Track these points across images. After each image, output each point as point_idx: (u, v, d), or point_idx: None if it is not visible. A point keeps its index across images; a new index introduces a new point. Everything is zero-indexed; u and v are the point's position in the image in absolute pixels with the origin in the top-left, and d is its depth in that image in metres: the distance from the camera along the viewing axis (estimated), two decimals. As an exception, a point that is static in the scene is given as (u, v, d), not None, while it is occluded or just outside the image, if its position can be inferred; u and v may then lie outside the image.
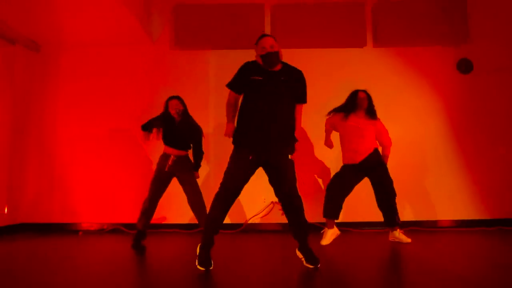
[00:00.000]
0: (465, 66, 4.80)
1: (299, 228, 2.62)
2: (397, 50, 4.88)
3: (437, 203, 4.67)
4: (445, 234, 4.18)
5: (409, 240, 3.54)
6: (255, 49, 2.69)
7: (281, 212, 4.54)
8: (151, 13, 4.83)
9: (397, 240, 3.58)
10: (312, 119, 4.22)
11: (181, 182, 3.63)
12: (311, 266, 2.52)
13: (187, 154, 3.71)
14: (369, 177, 3.66)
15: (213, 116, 4.80)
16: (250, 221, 4.59)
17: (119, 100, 4.84)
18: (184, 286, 2.24)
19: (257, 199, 4.60)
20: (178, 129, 3.60)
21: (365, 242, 3.81)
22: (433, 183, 4.70)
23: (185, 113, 3.65)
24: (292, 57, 4.78)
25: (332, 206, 3.59)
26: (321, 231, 3.73)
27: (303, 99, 2.73)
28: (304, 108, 4.24)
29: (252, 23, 4.86)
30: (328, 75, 4.83)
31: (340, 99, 4.38)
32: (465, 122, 4.78)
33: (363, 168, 3.62)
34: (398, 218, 3.61)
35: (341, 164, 3.79)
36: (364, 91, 3.70)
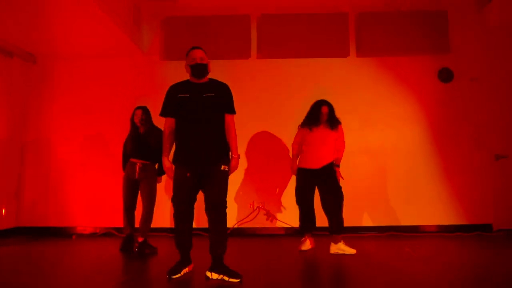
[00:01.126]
0: (446, 75, 4.93)
1: (216, 238, 2.64)
2: (380, 60, 5.02)
3: (417, 209, 4.81)
4: (423, 239, 4.33)
5: (353, 251, 3.49)
6: (185, 60, 2.80)
7: (266, 216, 4.78)
8: (142, 25, 5.01)
9: (341, 252, 3.53)
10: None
11: (142, 188, 3.76)
12: (237, 280, 2.50)
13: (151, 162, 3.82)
14: (319, 185, 3.74)
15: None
16: (237, 226, 4.77)
17: (111, 108, 5.04)
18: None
19: (246, 204, 4.78)
20: (142, 138, 3.77)
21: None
22: (414, 189, 4.83)
23: (147, 123, 3.81)
24: (277, 66, 5.06)
25: (307, 221, 3.76)
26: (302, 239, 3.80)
27: (230, 110, 2.78)
28: (290, 116, 4.52)
29: (239, 34, 5.03)
30: (313, 84, 4.97)
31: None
32: (446, 129, 4.91)
33: (319, 175, 3.69)
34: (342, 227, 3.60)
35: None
36: (326, 104, 3.80)
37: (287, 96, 4.95)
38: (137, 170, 3.70)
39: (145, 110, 3.87)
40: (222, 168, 2.67)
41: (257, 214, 4.79)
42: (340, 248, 3.52)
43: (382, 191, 4.86)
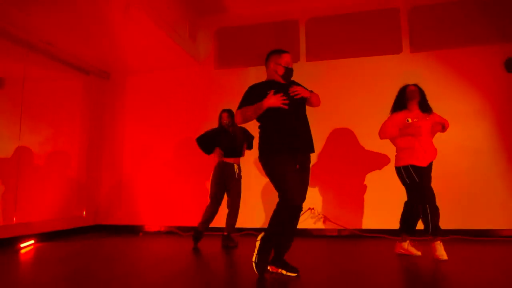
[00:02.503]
0: (513, 65, 4.52)
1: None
2: (436, 54, 4.78)
3: (485, 211, 4.45)
4: (493, 244, 4.00)
5: (419, 253, 3.36)
6: (274, 59, 2.83)
7: (317, 217, 4.79)
8: (197, 38, 5.41)
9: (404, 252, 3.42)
10: (359, 127, 4.73)
11: (231, 187, 4.03)
12: (295, 274, 2.63)
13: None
14: None
15: (255, 126, 5.18)
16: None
17: (174, 115, 5.50)
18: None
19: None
20: (233, 138, 4.06)
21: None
22: (483, 189, 4.49)
23: (234, 123, 4.07)
24: (328, 67, 5.07)
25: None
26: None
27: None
28: (345, 116, 4.90)
29: (289, 39, 5.17)
30: (366, 83, 4.91)
31: (381, 106, 4.57)
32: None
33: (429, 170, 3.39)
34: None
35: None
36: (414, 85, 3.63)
37: (340, 97, 4.93)
38: (236, 171, 4.01)
39: (230, 113, 4.13)
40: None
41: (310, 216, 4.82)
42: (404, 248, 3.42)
43: (449, 192, 4.57)
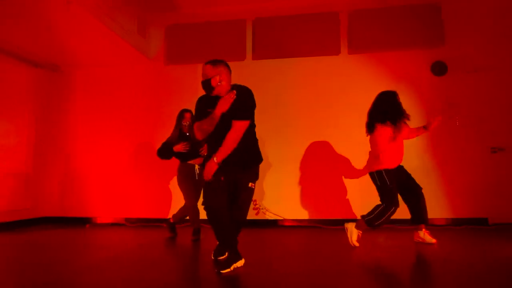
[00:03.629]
0: (439, 68, 4.91)
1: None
2: (372, 56, 5.11)
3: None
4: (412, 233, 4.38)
5: (434, 240, 3.54)
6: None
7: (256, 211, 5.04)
8: (147, 34, 5.50)
9: (421, 240, 3.60)
10: (301, 124, 5.00)
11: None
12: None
13: None
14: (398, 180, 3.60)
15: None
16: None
17: (123, 109, 5.59)
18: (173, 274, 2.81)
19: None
20: (192, 141, 4.02)
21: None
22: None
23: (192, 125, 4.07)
24: (273, 67, 5.31)
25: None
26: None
27: (236, 117, 2.71)
28: (291, 114, 5.15)
29: (236, 37, 5.36)
30: (307, 83, 5.19)
31: (319, 106, 4.86)
32: (441, 122, 4.87)
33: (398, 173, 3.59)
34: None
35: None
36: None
37: (283, 94, 5.19)
38: (197, 171, 4.03)
39: (193, 114, 4.11)
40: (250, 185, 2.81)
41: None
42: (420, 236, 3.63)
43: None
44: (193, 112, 4.09)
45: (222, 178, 2.71)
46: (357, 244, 3.47)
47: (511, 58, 4.80)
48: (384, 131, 3.52)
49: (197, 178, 4.02)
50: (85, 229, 4.98)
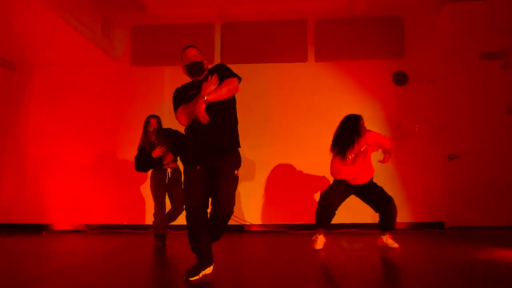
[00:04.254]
0: (400, 78, 5.12)
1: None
2: (338, 64, 5.24)
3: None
4: (370, 236, 4.51)
5: (396, 245, 3.63)
6: (180, 63, 2.75)
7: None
8: (112, 35, 5.33)
9: (384, 245, 3.69)
10: (268, 128, 5.07)
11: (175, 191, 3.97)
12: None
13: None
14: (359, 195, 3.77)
15: (167, 125, 5.26)
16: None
17: (86, 111, 5.38)
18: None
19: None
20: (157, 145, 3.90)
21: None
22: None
23: (159, 130, 3.96)
24: (241, 71, 5.29)
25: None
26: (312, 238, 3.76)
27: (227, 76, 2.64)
28: (259, 119, 5.09)
29: (203, 41, 5.31)
30: (274, 88, 5.24)
31: (285, 111, 4.90)
32: (401, 129, 5.08)
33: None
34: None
35: None
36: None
37: (251, 99, 5.18)
38: (168, 176, 3.91)
39: (159, 120, 4.01)
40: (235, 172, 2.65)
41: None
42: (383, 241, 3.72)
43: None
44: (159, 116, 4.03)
45: (198, 167, 2.58)
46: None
47: (467, 69, 5.08)
48: (333, 158, 3.62)
49: (167, 182, 3.92)
50: (42, 237, 4.73)
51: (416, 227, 4.89)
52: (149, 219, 4.99)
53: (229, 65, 5.38)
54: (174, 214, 4.04)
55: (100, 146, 5.30)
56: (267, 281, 2.53)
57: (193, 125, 2.60)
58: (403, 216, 4.93)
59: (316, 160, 5.04)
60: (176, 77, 5.21)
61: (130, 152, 5.20)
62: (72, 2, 4.32)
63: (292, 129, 5.15)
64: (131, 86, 5.39)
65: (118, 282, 2.54)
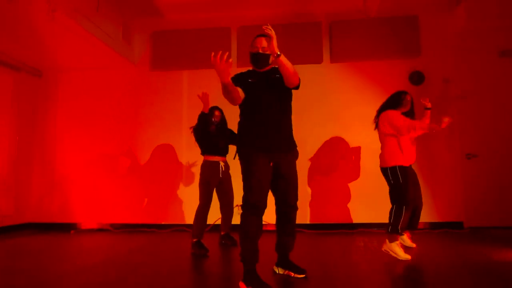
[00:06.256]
0: (417, 77, 5.10)
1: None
2: (353, 65, 5.27)
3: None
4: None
5: (413, 244, 3.68)
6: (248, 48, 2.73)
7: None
8: (132, 40, 5.52)
9: (401, 244, 3.59)
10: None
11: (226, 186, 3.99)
12: (302, 276, 2.65)
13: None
14: None
15: (185, 128, 5.43)
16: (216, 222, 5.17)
17: (107, 114, 5.60)
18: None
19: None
20: (216, 137, 3.90)
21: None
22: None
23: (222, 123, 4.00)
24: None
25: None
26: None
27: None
28: None
29: (220, 44, 5.43)
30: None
31: (301, 112, 4.95)
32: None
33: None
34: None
35: None
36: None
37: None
38: (222, 168, 3.87)
39: (222, 113, 4.04)
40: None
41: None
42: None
43: (362, 191, 5.09)
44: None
45: (271, 164, 2.51)
46: (408, 257, 3.22)
47: (485, 67, 5.02)
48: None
49: (221, 176, 3.88)
50: (70, 235, 4.98)
51: (434, 227, 4.88)
52: (172, 218, 5.25)
53: (245, 68, 5.57)
54: (231, 209, 4.07)
55: (123, 147, 5.52)
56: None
57: (262, 116, 2.51)
58: (422, 216, 4.93)
59: (333, 162, 5.11)
60: (195, 81, 5.48)
61: (152, 153, 5.44)
62: (94, 12, 4.51)
63: (309, 130, 5.22)
64: (151, 89, 5.57)
65: (139, 280, 2.69)
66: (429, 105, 3.68)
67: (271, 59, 2.58)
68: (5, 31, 4.39)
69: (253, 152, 2.46)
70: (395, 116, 3.48)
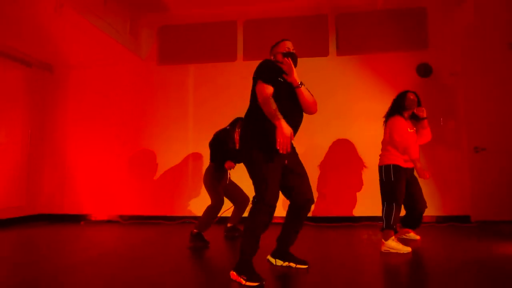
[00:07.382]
0: (424, 70, 5.05)
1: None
2: (360, 57, 5.24)
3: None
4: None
5: (417, 237, 3.70)
6: (274, 50, 2.78)
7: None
8: (139, 35, 5.59)
9: (405, 236, 3.70)
10: None
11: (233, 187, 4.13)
12: (305, 266, 2.68)
13: None
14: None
15: (192, 122, 5.48)
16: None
17: (116, 108, 5.70)
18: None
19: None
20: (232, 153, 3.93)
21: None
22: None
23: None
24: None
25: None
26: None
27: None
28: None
29: (226, 38, 5.47)
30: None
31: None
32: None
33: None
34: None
35: None
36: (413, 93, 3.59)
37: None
38: (229, 175, 4.05)
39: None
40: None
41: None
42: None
43: (364, 182, 5.09)
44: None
45: (286, 162, 2.55)
46: (409, 249, 3.23)
47: (493, 60, 4.94)
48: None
49: (227, 182, 4.02)
50: (80, 226, 5.10)
51: (441, 220, 4.85)
52: (179, 210, 5.33)
53: (251, 62, 5.58)
54: (242, 208, 4.12)
55: (132, 141, 5.61)
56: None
57: (286, 120, 2.44)
58: (428, 210, 4.87)
59: (338, 156, 5.10)
60: (201, 74, 5.52)
61: (159, 146, 5.51)
62: (102, 7, 4.58)
63: (315, 124, 5.20)
64: (159, 83, 5.64)
65: (145, 272, 2.76)
66: (424, 114, 3.58)
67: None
68: (14, 26, 4.50)
69: (274, 155, 2.46)
70: (397, 127, 3.42)
